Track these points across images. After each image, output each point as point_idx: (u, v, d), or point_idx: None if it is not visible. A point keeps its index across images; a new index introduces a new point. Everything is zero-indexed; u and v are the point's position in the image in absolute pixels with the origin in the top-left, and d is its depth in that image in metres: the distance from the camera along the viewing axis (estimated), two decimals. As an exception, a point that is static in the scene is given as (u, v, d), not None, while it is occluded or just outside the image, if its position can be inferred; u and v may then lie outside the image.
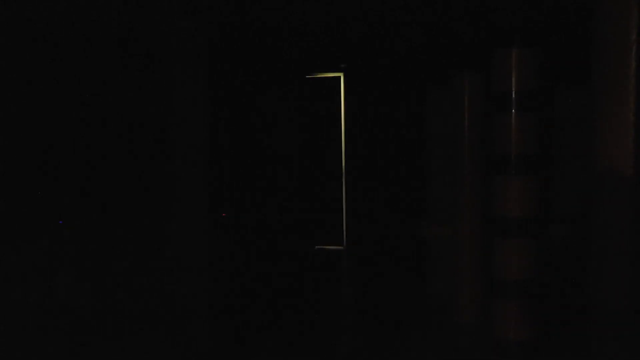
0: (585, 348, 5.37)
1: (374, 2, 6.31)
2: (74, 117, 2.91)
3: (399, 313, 6.83)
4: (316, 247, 9.26)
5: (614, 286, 4.86)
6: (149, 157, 3.82)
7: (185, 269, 4.40)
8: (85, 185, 2.88)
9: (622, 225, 4.76)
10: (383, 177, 10.10)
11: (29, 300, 2.47)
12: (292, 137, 8.48)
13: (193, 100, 4.96)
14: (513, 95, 4.72)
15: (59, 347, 2.60)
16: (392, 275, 8.34)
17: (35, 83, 2.59)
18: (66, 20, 2.79)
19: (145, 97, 3.71)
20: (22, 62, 2.54)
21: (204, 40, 4.84)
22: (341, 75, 10.11)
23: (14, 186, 2.56)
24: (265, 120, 8.16)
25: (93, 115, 3.08)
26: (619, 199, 4.73)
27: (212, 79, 5.39)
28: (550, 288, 6.76)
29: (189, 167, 4.92)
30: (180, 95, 4.67)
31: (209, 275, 4.99)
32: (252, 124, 7.73)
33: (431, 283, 7.55)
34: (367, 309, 6.97)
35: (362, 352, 5.76)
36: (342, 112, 9.42)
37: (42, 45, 2.64)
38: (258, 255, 8.21)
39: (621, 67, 4.33)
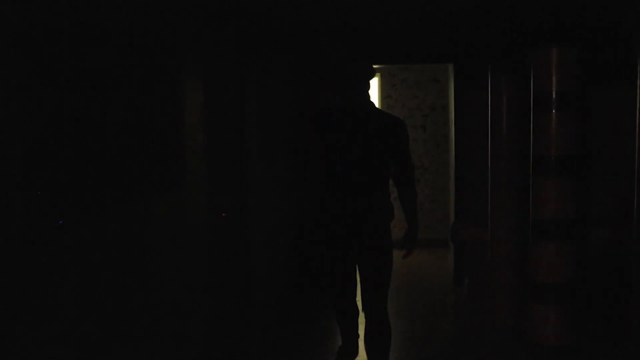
0: (625, 354, 5.26)
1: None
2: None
3: (435, 316, 6.76)
4: None
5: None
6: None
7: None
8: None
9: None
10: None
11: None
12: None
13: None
14: (553, 95, 4.63)
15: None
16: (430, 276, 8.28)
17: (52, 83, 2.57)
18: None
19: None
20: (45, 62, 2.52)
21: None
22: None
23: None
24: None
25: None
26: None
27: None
28: (590, 292, 6.64)
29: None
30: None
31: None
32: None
33: (468, 286, 7.47)
34: (408, 309, 6.92)
35: (398, 351, 5.70)
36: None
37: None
38: None
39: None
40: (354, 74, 4.43)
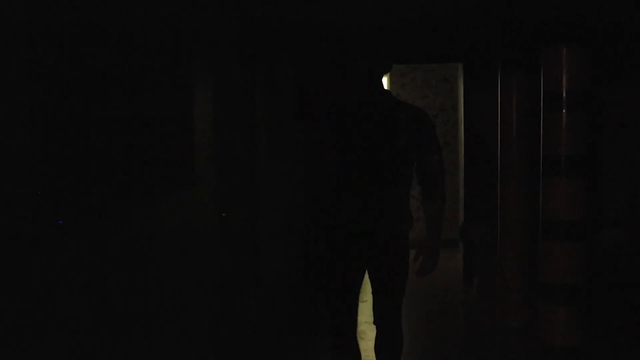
0: (635, 354, 5.24)
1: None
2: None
3: (445, 317, 6.75)
4: None
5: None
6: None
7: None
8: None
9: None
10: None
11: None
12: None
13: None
14: (563, 95, 4.61)
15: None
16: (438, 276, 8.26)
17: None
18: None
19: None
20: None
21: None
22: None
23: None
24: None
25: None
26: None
27: None
28: (600, 292, 6.62)
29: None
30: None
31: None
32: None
33: (477, 286, 7.45)
34: (417, 308, 6.91)
35: (407, 350, 5.70)
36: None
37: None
38: None
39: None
40: (367, 66, 3.90)
